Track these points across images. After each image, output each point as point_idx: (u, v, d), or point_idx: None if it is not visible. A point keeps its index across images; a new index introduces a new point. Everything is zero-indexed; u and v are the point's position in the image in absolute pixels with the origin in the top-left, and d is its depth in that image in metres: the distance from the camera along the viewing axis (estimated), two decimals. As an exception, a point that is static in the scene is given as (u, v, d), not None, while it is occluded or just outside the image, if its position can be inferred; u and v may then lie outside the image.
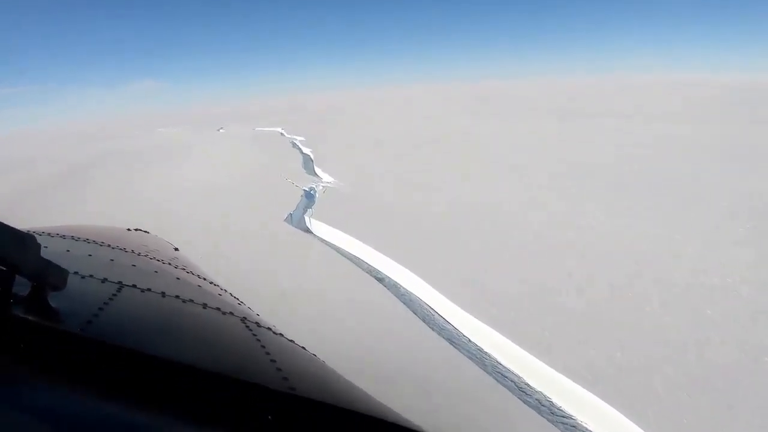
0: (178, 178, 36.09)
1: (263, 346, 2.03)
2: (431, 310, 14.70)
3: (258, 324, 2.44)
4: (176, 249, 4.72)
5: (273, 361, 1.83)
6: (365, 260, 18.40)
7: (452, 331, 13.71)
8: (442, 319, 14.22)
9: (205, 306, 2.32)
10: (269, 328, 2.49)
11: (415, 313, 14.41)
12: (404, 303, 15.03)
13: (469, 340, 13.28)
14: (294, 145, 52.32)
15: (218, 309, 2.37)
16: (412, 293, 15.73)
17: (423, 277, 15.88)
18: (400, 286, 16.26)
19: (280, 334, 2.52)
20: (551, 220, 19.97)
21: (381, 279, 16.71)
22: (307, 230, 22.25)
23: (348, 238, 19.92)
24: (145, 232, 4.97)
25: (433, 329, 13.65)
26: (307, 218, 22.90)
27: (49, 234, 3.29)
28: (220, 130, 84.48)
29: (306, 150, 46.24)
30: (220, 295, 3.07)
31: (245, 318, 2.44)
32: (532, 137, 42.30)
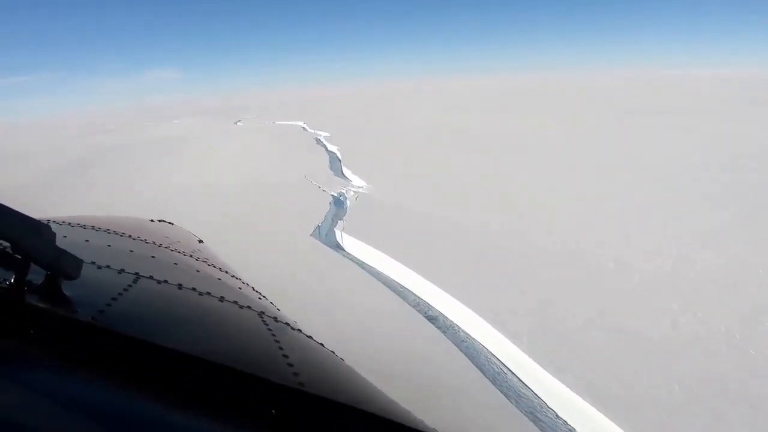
0: (184, 175, 34.27)
1: (277, 341, 2.03)
2: (503, 368, 12.14)
3: (276, 319, 2.47)
4: (201, 241, 4.77)
5: (285, 356, 1.83)
6: (411, 290, 15.94)
7: (533, 400, 11.12)
8: (519, 382, 11.65)
9: (222, 299, 2.35)
10: (287, 324, 2.53)
11: (482, 371, 11.84)
12: (465, 354, 12.48)
13: (557, 415, 10.68)
14: (318, 141, 50.10)
15: (235, 302, 2.40)
16: (475, 340, 13.20)
17: (487, 318, 13.31)
18: (459, 329, 13.73)
19: (299, 330, 2.57)
20: (641, 247, 17.07)
21: (433, 318, 14.21)
22: (338, 246, 19.92)
23: (388, 259, 17.48)
24: (170, 223, 5.06)
25: (507, 396, 11.09)
26: (337, 232, 20.54)
27: (69, 224, 3.33)
28: (238, 123, 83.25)
29: (332, 147, 43.93)
30: (240, 288, 3.05)
31: (263, 312, 2.46)
32: (606, 137, 39.08)
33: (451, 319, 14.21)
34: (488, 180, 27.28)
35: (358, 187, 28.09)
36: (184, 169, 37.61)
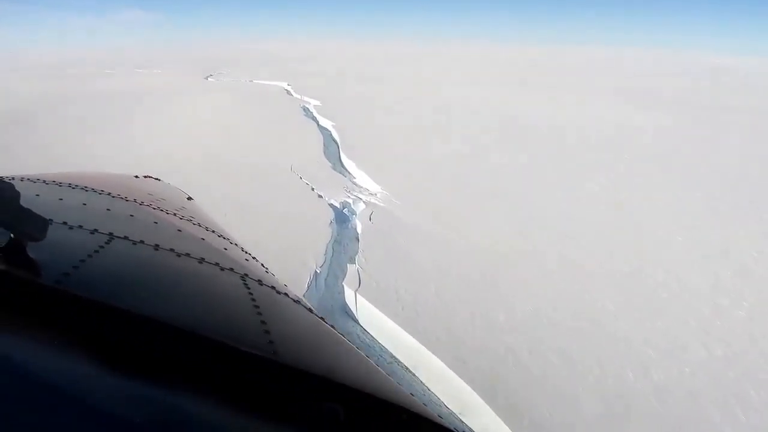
0: (113, 152, 25.72)
1: (257, 306, 1.97)
2: None
3: (261, 282, 2.36)
4: (190, 198, 4.61)
5: (263, 322, 1.79)
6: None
7: None
8: None
9: (201, 260, 2.27)
10: (273, 287, 2.39)
11: None
12: None
13: None
14: (306, 111, 41.18)
15: (217, 264, 2.31)
16: None
17: None
18: None
19: (285, 294, 2.42)
20: None
21: None
22: (347, 313, 12.29)
23: (446, 371, 10.00)
24: (156, 179, 4.82)
25: None
26: (348, 291, 12.84)
27: (44, 181, 3.20)
28: (209, 79, 73.07)
29: (325, 122, 35.23)
30: (225, 249, 2.92)
31: (246, 275, 2.36)
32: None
33: None
34: (588, 190, 19.74)
35: (370, 192, 20.18)
36: (114, 141, 28.79)
